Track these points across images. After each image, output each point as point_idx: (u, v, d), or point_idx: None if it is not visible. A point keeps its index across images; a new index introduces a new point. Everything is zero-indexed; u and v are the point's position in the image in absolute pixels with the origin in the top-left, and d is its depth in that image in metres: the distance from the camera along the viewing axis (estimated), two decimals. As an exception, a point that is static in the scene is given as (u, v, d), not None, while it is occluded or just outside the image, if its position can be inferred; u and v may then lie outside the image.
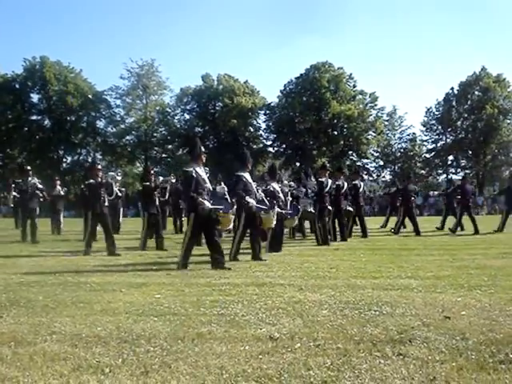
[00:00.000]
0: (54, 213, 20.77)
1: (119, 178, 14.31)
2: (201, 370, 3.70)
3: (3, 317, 5.36)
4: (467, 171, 60.18)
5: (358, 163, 60.62)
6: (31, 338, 4.52)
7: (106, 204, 12.37)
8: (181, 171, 10.55)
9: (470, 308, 5.59)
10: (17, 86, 57.27)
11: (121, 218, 19.54)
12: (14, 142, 56.72)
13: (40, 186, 16.03)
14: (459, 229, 19.00)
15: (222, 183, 15.13)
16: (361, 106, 58.29)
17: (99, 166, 12.80)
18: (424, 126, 61.49)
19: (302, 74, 58.38)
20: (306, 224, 17.84)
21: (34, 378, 3.58)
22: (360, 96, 59.56)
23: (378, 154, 61.79)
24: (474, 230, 17.97)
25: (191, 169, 9.32)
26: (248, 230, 10.79)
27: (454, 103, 59.93)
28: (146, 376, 3.59)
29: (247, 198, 9.37)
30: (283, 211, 12.19)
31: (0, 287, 7.24)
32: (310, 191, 14.77)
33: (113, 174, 13.54)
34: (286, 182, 17.80)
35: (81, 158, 61.75)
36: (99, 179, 12.29)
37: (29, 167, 16.07)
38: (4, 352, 4.13)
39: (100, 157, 62.49)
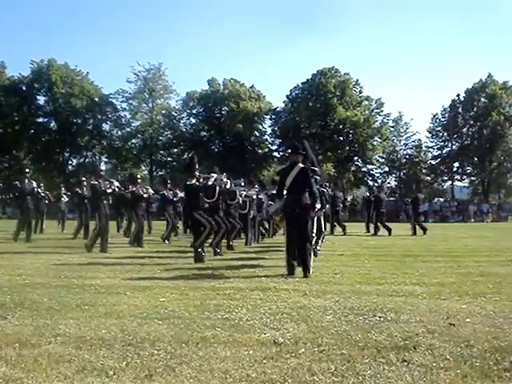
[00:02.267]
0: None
1: (225, 180, 13.41)
2: (205, 373, 3.70)
3: (8, 318, 5.37)
4: (473, 178, 60.17)
5: (364, 169, 60.69)
6: (35, 340, 4.53)
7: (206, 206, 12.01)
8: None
9: (474, 315, 5.58)
10: (23, 88, 57.43)
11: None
12: (19, 144, 56.84)
13: (117, 188, 14.82)
14: (372, 232, 22.54)
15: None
16: (367, 111, 58.22)
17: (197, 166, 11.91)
18: (430, 133, 61.44)
19: (308, 79, 58.37)
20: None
21: (38, 379, 3.58)
22: (366, 102, 59.49)
23: (383, 160, 61.76)
24: (373, 232, 22.08)
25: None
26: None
27: (459, 110, 59.83)
28: (150, 379, 3.60)
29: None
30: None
31: (5, 288, 7.25)
32: None
33: (216, 174, 12.49)
34: None
35: (86, 160, 61.89)
36: (195, 181, 11.68)
37: (102, 167, 15.00)
38: (8, 353, 4.14)
39: (105, 160, 62.66)
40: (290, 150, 9.92)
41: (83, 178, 19.68)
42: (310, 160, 9.96)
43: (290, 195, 9.22)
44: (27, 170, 18.03)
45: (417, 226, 22.25)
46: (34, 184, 17.46)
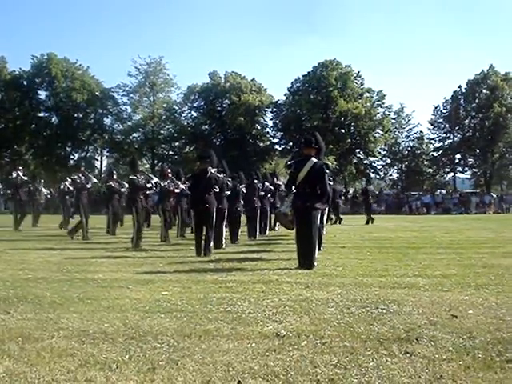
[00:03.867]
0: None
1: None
2: (207, 366, 3.71)
3: (11, 313, 5.39)
4: (475, 170, 60.07)
5: (365, 161, 60.51)
6: (38, 334, 4.54)
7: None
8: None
9: (477, 307, 5.58)
10: (24, 83, 57.28)
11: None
12: (21, 139, 56.77)
13: (154, 184, 14.52)
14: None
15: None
16: (368, 104, 57.95)
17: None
18: (431, 125, 61.23)
19: (309, 72, 58.09)
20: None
21: (42, 373, 3.59)
22: (367, 94, 59.22)
23: (385, 152, 61.54)
24: (338, 222, 24.80)
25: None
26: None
27: (461, 101, 59.62)
28: (153, 372, 3.61)
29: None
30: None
31: (7, 283, 7.27)
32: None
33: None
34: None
35: (88, 154, 61.86)
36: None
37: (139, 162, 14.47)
38: (12, 348, 4.15)
39: (107, 154, 62.65)
40: (303, 144, 9.89)
41: (114, 172, 19.51)
42: (322, 153, 9.99)
43: (301, 189, 9.24)
44: (83, 164, 17.84)
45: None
46: (94, 180, 17.17)
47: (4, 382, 3.48)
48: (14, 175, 19.50)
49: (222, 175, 13.09)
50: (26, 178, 20.21)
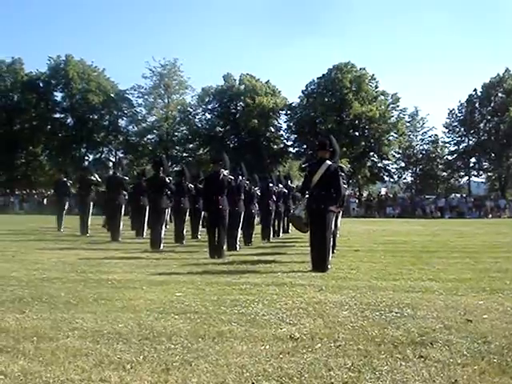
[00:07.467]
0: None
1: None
2: (221, 368, 3.71)
3: (26, 312, 5.42)
4: (489, 174, 59.62)
5: (379, 164, 60.26)
6: (53, 334, 4.57)
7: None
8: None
9: (492, 311, 5.55)
10: (41, 85, 57.72)
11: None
12: (37, 140, 57.22)
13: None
14: None
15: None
16: (383, 106, 57.65)
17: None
18: (446, 128, 60.82)
19: (323, 75, 57.96)
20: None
21: (56, 373, 3.61)
22: (382, 97, 58.96)
23: (399, 155, 61.21)
24: None
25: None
26: None
27: (476, 105, 59.16)
28: (167, 373, 3.62)
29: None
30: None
31: (22, 283, 7.32)
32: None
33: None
34: None
35: (103, 156, 62.12)
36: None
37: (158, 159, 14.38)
38: (27, 347, 4.18)
39: (121, 155, 62.83)
40: (317, 147, 9.90)
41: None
42: (337, 156, 10.01)
43: (315, 192, 9.24)
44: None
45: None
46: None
47: (19, 380, 3.51)
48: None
49: (239, 178, 13.12)
50: None
